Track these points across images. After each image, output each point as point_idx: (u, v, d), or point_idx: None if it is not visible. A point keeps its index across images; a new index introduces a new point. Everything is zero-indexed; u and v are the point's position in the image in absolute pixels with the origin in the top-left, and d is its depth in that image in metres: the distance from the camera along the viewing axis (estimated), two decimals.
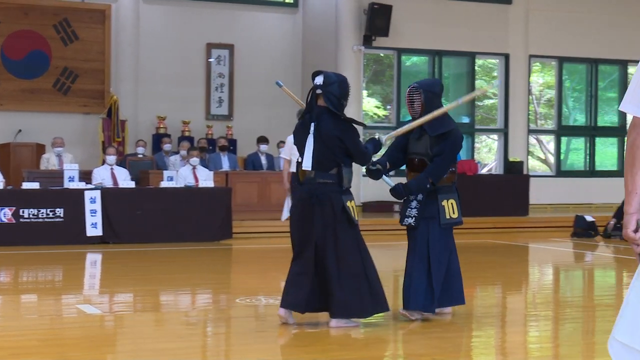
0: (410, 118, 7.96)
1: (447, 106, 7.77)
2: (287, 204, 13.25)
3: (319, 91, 7.13)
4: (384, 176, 7.76)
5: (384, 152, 8.01)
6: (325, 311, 7.14)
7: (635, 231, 3.62)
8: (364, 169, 7.82)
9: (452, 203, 7.60)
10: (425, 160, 7.60)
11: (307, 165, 7.08)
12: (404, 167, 8.04)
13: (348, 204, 7.08)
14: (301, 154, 7.16)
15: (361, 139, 7.38)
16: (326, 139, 7.02)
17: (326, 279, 7.04)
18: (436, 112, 7.59)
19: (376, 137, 7.54)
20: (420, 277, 7.48)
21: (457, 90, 21.22)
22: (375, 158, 7.71)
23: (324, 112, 7.09)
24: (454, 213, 7.59)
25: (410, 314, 7.51)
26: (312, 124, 7.08)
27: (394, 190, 7.71)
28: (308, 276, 7.06)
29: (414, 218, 7.60)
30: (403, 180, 7.80)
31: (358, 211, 7.23)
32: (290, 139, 13.18)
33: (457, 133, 7.68)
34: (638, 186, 3.57)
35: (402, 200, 7.83)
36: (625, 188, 3.61)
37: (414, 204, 7.65)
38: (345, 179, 7.12)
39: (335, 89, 7.12)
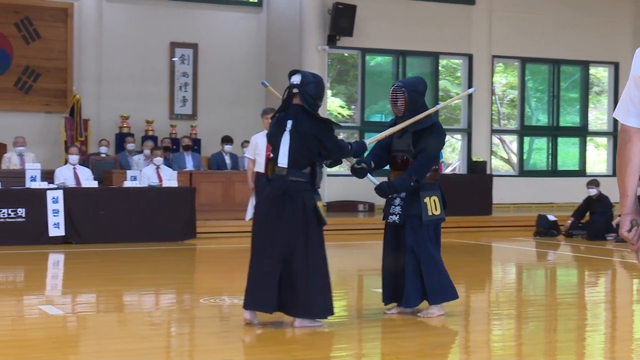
0: (393, 117, 8.00)
1: (427, 111, 7.77)
2: (252, 203, 13.21)
3: (295, 90, 7.15)
4: (368, 174, 7.79)
5: (368, 152, 8.05)
6: (290, 311, 7.10)
7: (629, 231, 3.70)
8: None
9: (434, 200, 7.66)
10: (408, 157, 7.66)
11: (282, 162, 7.09)
12: (387, 167, 8.09)
13: (318, 203, 7.11)
14: (275, 151, 7.15)
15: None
16: (304, 137, 7.05)
17: (293, 278, 7.00)
18: (419, 116, 7.63)
19: (362, 140, 7.58)
20: (414, 274, 7.56)
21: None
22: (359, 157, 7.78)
23: (300, 111, 7.12)
24: (436, 210, 7.65)
25: (429, 312, 7.62)
26: (289, 122, 7.10)
27: (379, 189, 7.76)
28: (275, 275, 7.01)
29: (398, 216, 7.68)
30: (384, 179, 7.83)
31: (322, 211, 7.24)
32: (254, 139, 13.16)
33: (439, 129, 7.75)
34: (629, 188, 3.70)
35: (386, 198, 7.88)
36: (619, 191, 3.73)
37: (397, 201, 7.72)
38: (318, 178, 7.15)
39: (312, 89, 7.17)
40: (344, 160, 7.68)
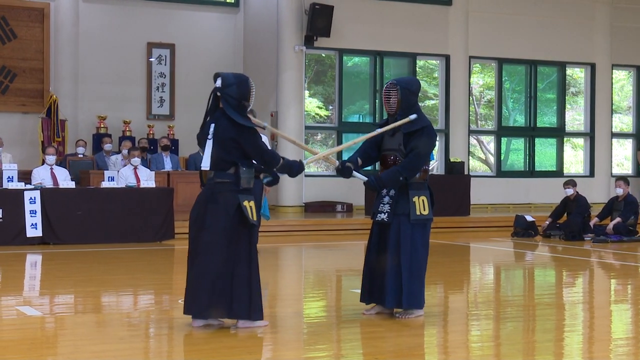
0: (386, 117, 8.00)
1: (367, 135, 7.91)
2: None
3: (218, 93, 7.14)
4: (354, 172, 7.78)
5: (356, 149, 8.02)
6: (226, 314, 7.07)
7: None
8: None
9: (423, 199, 7.67)
10: (398, 157, 7.68)
11: (205, 165, 7.11)
12: (369, 167, 8.09)
13: (245, 203, 7.01)
14: (204, 155, 7.17)
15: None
16: (222, 141, 7.02)
17: (219, 280, 6.97)
18: (395, 124, 7.68)
19: (300, 160, 7.47)
20: (398, 274, 7.56)
21: None
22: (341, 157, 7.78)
23: (221, 115, 7.10)
24: (424, 209, 7.67)
25: (406, 314, 7.63)
26: (212, 126, 7.09)
27: (368, 184, 7.75)
28: (205, 279, 6.99)
29: (386, 214, 7.67)
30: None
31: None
32: None
33: (431, 130, 7.75)
34: None
35: (376, 193, 7.88)
36: None
37: (386, 199, 7.72)
38: (243, 179, 7.05)
39: (234, 91, 7.11)
40: (326, 160, 7.71)
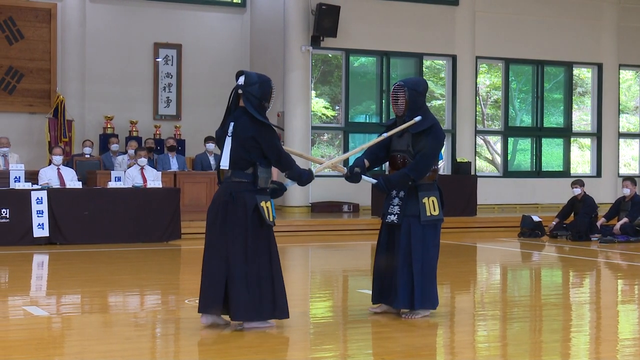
0: (394, 117, 8.02)
1: (373, 140, 7.97)
2: None
3: (239, 91, 7.11)
4: (363, 176, 7.82)
5: (362, 153, 8.04)
6: (232, 314, 7.04)
7: None
8: (313, 168, 7.82)
9: (433, 200, 7.70)
10: (407, 157, 7.71)
11: (224, 164, 7.10)
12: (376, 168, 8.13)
13: (262, 204, 7.04)
14: (221, 153, 7.17)
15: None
16: (242, 139, 7.02)
17: (233, 280, 6.97)
18: (375, 140, 7.84)
19: (310, 169, 7.48)
20: (407, 275, 7.60)
21: None
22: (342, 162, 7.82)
23: (243, 113, 7.08)
24: (434, 210, 7.70)
25: (413, 314, 7.65)
26: (231, 124, 7.09)
27: (377, 187, 7.80)
28: (221, 278, 6.99)
29: (396, 215, 7.68)
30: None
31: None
32: None
33: (438, 130, 7.76)
34: None
35: (385, 194, 7.91)
36: None
37: (395, 201, 7.75)
38: (261, 179, 7.07)
39: (256, 90, 7.09)
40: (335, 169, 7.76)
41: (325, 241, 15.74)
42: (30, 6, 20.07)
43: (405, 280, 7.61)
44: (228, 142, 7.08)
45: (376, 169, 8.55)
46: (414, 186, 7.67)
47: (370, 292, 7.98)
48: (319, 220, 17.83)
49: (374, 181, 7.79)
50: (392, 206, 7.76)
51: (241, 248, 6.99)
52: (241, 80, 7.14)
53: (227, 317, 7.15)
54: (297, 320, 7.97)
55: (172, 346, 6.84)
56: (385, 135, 7.86)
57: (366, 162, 7.89)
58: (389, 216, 7.75)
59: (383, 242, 7.84)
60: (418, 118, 7.71)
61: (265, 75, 7.30)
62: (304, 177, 7.36)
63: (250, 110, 7.03)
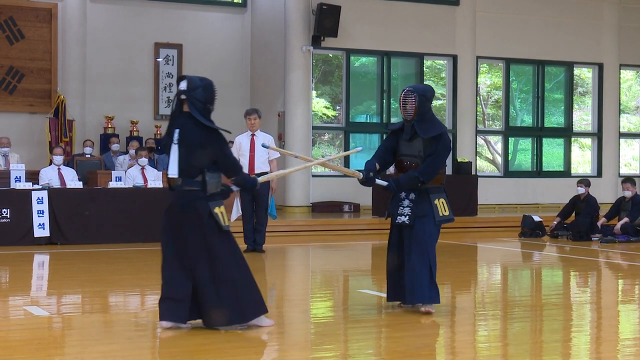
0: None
1: (313, 162, 8.40)
2: (237, 204, 13.24)
3: (183, 96, 7.00)
4: (376, 180, 8.01)
5: (372, 155, 8.21)
6: (205, 320, 7.01)
7: None
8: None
9: (442, 202, 7.99)
10: (417, 162, 7.94)
11: (172, 173, 6.97)
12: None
13: (216, 210, 6.93)
14: (170, 161, 7.03)
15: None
16: (189, 146, 6.90)
17: (201, 287, 6.92)
18: (324, 159, 8.31)
19: (255, 177, 7.47)
20: (424, 272, 7.81)
21: None
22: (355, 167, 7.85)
23: (189, 119, 6.97)
24: (445, 211, 8.00)
25: (428, 308, 7.85)
26: (176, 131, 6.96)
27: (388, 189, 7.99)
28: (187, 286, 6.95)
29: (407, 217, 7.90)
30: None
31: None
32: (238, 139, 13.20)
33: (447, 137, 8.07)
34: None
35: (391, 196, 8.13)
36: None
37: (406, 202, 7.96)
38: (210, 184, 6.94)
39: (200, 94, 7.01)
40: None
41: (326, 241, 15.74)
42: (30, 6, 20.07)
43: (418, 277, 7.81)
44: (175, 149, 6.93)
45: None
46: (424, 189, 7.91)
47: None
48: (319, 220, 17.82)
49: (385, 183, 7.98)
50: (401, 207, 7.96)
51: (204, 255, 6.90)
52: (183, 85, 7.03)
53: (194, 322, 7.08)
54: (298, 320, 7.99)
55: (173, 346, 6.84)
56: (324, 159, 8.31)
57: (377, 166, 8.07)
58: (399, 217, 7.95)
59: (394, 243, 8.06)
60: (359, 148, 8.29)
61: (207, 78, 7.26)
62: (248, 185, 7.31)
63: (196, 115, 6.92)
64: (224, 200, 7.14)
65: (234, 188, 7.30)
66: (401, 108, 8.01)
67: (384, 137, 8.32)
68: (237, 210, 13.25)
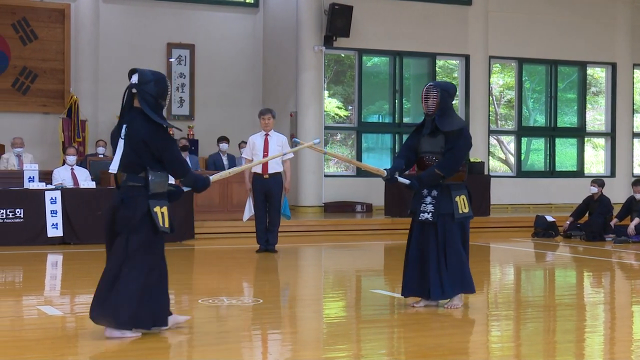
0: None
1: (271, 156, 8.41)
2: (249, 204, 13.25)
3: (134, 90, 6.79)
4: (398, 178, 8.09)
5: (397, 154, 8.33)
6: (96, 318, 6.77)
7: None
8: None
9: (463, 199, 8.10)
10: (438, 158, 8.02)
11: (113, 168, 6.79)
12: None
13: (156, 209, 6.72)
14: (114, 156, 6.87)
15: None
16: (134, 142, 6.69)
17: (103, 283, 6.75)
18: (250, 164, 8.93)
19: (207, 176, 7.19)
20: (441, 269, 7.98)
21: (419, 91, 21.25)
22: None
23: (138, 114, 6.75)
24: (465, 208, 8.11)
25: (453, 304, 8.06)
26: (124, 126, 6.77)
27: (411, 187, 8.09)
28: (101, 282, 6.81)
29: (430, 214, 8.01)
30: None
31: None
32: (251, 139, 13.21)
33: (468, 132, 8.17)
34: None
35: (413, 194, 8.22)
36: None
37: (428, 199, 8.07)
38: (154, 183, 6.72)
39: (151, 88, 6.76)
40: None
41: (338, 241, 15.73)
42: (43, 7, 20.13)
43: (439, 274, 7.96)
44: (121, 144, 6.75)
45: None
46: (446, 186, 8.01)
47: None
48: (331, 220, 17.82)
49: (408, 182, 8.07)
50: (424, 205, 8.06)
51: (119, 254, 6.71)
52: (134, 78, 6.82)
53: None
54: (310, 320, 7.99)
55: (185, 345, 6.85)
56: (253, 163, 9.06)
57: (403, 166, 8.17)
58: (422, 214, 8.05)
59: (416, 239, 8.12)
60: (317, 140, 8.22)
61: (161, 72, 7.01)
62: (199, 184, 7.05)
63: (146, 111, 6.69)
64: (171, 201, 6.88)
65: (185, 189, 7.06)
66: (423, 103, 8.07)
67: (406, 137, 8.35)
68: (249, 211, 13.27)
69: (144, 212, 6.70)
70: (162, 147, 6.72)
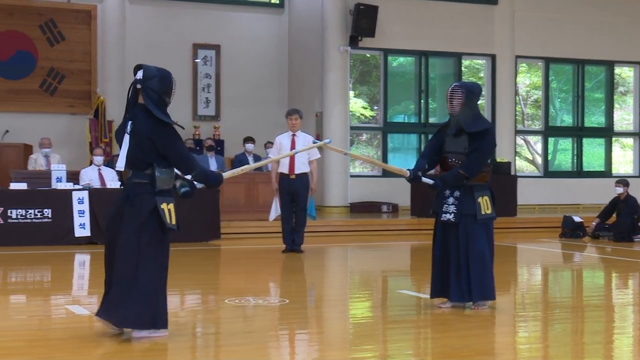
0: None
1: (280, 155, 8.35)
2: (275, 204, 13.26)
3: (138, 86, 6.72)
4: (423, 178, 8.05)
5: (421, 154, 8.29)
6: (111, 318, 6.71)
7: None
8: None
9: (486, 199, 8.04)
10: (462, 159, 7.98)
11: (119, 165, 6.73)
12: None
13: (163, 206, 6.67)
14: (120, 153, 6.82)
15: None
16: (138, 139, 6.61)
17: (116, 283, 6.68)
18: (262, 162, 8.50)
19: (220, 172, 7.17)
20: (463, 271, 7.91)
21: (445, 91, 21.19)
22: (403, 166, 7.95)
23: (142, 110, 6.68)
24: (488, 209, 8.05)
25: (478, 306, 8.01)
26: (129, 123, 6.70)
27: (435, 187, 8.05)
28: (109, 280, 6.75)
29: (452, 214, 7.97)
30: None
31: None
32: (278, 139, 13.21)
33: (493, 133, 8.14)
34: None
35: (436, 194, 8.20)
36: None
37: (450, 200, 8.02)
38: (160, 179, 6.66)
39: (156, 84, 6.69)
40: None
41: (364, 241, 15.71)
42: (70, 8, 20.24)
43: (462, 275, 7.91)
44: (126, 141, 6.68)
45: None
46: (469, 186, 7.97)
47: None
48: (357, 221, 17.80)
49: (432, 182, 8.02)
50: (446, 205, 8.02)
51: (131, 253, 6.61)
52: (139, 74, 6.74)
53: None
54: (336, 320, 7.98)
55: (212, 345, 6.86)
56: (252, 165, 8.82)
57: (426, 166, 8.13)
58: (444, 215, 8.02)
59: (439, 240, 8.09)
60: (327, 140, 8.27)
61: (166, 69, 6.94)
62: (210, 180, 6.97)
63: (150, 107, 6.62)
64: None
65: (198, 185, 6.99)
66: (448, 103, 8.04)
67: (430, 137, 8.32)
68: (275, 211, 13.28)
69: (150, 209, 6.64)
70: (166, 143, 6.65)
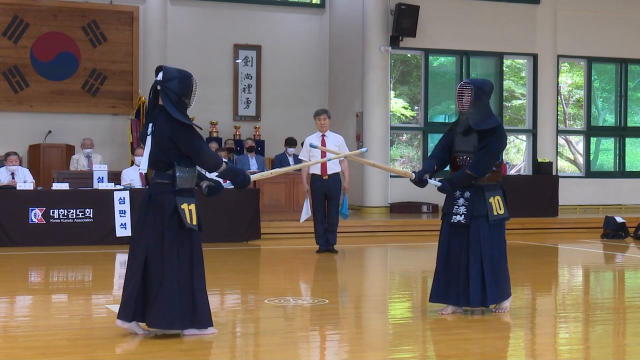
0: (456, 118, 8.02)
1: (313, 161, 8.28)
2: (307, 204, 13.26)
3: (158, 87, 6.75)
4: (429, 180, 7.86)
5: (430, 154, 8.08)
6: (146, 319, 6.73)
7: None
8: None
9: (498, 199, 7.77)
10: (471, 158, 7.76)
11: (143, 167, 6.79)
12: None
13: (183, 206, 6.70)
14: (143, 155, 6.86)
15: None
16: (159, 139, 6.68)
17: (148, 284, 6.68)
18: (310, 163, 8.96)
19: (247, 173, 7.10)
20: (478, 274, 7.67)
21: None
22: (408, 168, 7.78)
23: (161, 111, 6.74)
24: (500, 209, 7.77)
25: (501, 307, 7.83)
26: (150, 125, 6.75)
27: (442, 189, 7.83)
28: (136, 282, 6.72)
29: (463, 216, 7.74)
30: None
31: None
32: (307, 140, 13.16)
33: (502, 131, 7.83)
34: None
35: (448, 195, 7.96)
36: None
37: (461, 201, 7.80)
38: (181, 179, 6.72)
39: (175, 85, 6.72)
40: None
41: (404, 242, 15.69)
42: (113, 9, 20.40)
43: (477, 279, 7.68)
44: (148, 142, 6.73)
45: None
46: (479, 186, 7.73)
47: None
48: (397, 221, 17.78)
49: (439, 184, 7.81)
50: (456, 206, 7.79)
51: (159, 253, 6.65)
52: (160, 75, 6.77)
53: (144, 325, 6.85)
54: (376, 320, 7.97)
55: (252, 345, 6.89)
56: (286, 169, 8.48)
57: (435, 167, 7.93)
58: (454, 216, 7.79)
59: (448, 242, 7.85)
60: (364, 149, 8.19)
61: (187, 70, 6.93)
62: (238, 179, 6.96)
63: (168, 108, 6.66)
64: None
65: (225, 184, 6.95)
66: (457, 100, 7.82)
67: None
68: (306, 212, 13.27)
69: (172, 209, 6.69)
70: (187, 142, 6.69)
